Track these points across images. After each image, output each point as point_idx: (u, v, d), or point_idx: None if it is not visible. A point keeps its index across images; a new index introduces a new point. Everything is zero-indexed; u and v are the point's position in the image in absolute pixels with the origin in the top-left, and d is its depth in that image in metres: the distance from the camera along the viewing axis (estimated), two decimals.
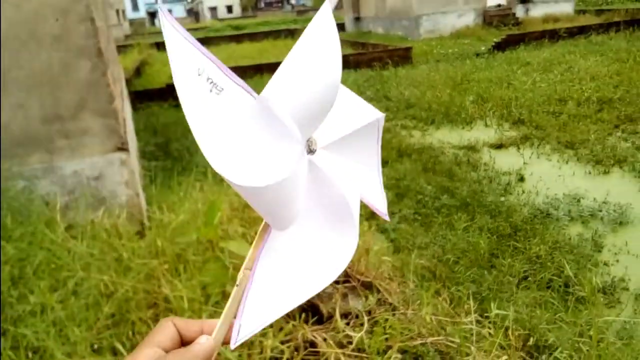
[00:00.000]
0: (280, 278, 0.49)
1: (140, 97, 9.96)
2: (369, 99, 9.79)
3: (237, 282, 0.50)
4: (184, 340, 0.49)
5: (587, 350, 2.57)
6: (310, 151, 0.51)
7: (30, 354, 1.87)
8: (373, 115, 0.61)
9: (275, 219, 0.50)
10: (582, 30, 14.81)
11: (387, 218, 0.62)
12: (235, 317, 0.48)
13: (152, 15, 58.35)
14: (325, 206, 0.52)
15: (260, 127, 0.46)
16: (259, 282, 0.49)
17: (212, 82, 0.45)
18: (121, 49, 16.49)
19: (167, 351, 0.47)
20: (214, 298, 2.15)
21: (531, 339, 2.67)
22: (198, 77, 0.44)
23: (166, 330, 0.48)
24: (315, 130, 0.51)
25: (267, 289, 0.49)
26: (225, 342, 0.50)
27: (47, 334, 1.89)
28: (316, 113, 0.49)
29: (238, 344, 0.46)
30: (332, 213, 0.52)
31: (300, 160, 0.49)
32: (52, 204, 3.02)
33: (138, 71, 14.16)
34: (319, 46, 0.50)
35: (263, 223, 0.51)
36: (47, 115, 3.27)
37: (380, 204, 0.62)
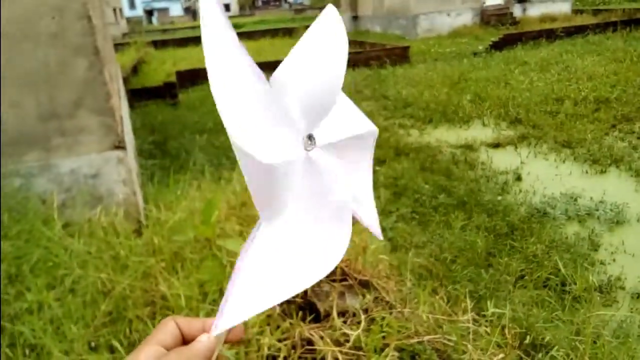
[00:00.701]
0: (267, 270, 0.48)
1: (138, 96, 9.94)
2: (367, 98, 9.81)
3: None
4: (186, 339, 0.49)
5: (584, 348, 2.58)
6: (308, 147, 0.51)
7: (27, 352, 1.87)
8: (370, 126, 0.61)
9: (265, 206, 0.49)
10: (580, 30, 14.85)
11: (380, 237, 0.62)
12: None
13: (149, 13, 58.24)
14: (319, 202, 0.52)
15: (271, 108, 0.47)
16: (246, 272, 0.48)
17: (242, 50, 0.47)
18: (118, 47, 16.46)
19: (168, 349, 0.47)
20: (212, 296, 2.15)
21: (528, 338, 2.68)
22: (228, 41, 0.46)
23: (168, 329, 0.49)
24: (316, 127, 0.52)
25: (253, 280, 0.48)
26: (227, 341, 0.50)
27: (45, 331, 1.89)
28: (319, 105, 0.50)
29: (217, 332, 0.45)
30: (325, 210, 0.52)
31: (298, 152, 0.49)
32: (49, 202, 3.01)
33: (135, 69, 14.13)
34: (326, 39, 0.51)
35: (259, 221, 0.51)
36: (44, 113, 3.25)
37: (372, 220, 0.62)
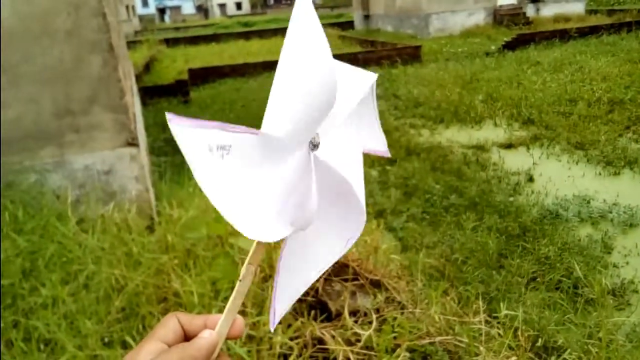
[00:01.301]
0: (300, 267, 0.54)
1: (150, 93, 10.01)
2: (378, 97, 9.74)
3: (240, 277, 0.51)
4: (188, 335, 0.49)
5: (597, 352, 2.56)
6: (314, 146, 0.51)
7: (42, 346, 1.89)
8: (368, 81, 0.61)
9: (298, 226, 0.51)
10: (594, 30, 14.70)
11: (388, 154, 0.63)
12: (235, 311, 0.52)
13: (162, 11, 58.54)
14: (332, 194, 0.54)
15: (269, 165, 0.48)
16: (285, 274, 0.53)
17: (221, 147, 0.46)
18: (131, 44, 16.56)
19: (170, 346, 0.47)
20: (224, 293, 2.15)
21: (540, 340, 2.66)
22: (210, 154, 0.46)
23: (170, 325, 0.49)
24: (319, 127, 0.52)
25: (291, 279, 0.53)
26: (229, 337, 0.51)
27: (59, 326, 1.90)
28: (317, 114, 0.50)
29: (275, 324, 0.51)
30: (339, 199, 0.55)
31: (307, 163, 0.50)
32: (63, 197, 3.04)
33: (147, 67, 14.22)
34: (305, 47, 0.51)
35: None
36: (59, 109, 3.29)
37: (380, 145, 0.64)
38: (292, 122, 0.48)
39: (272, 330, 0.52)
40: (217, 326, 0.49)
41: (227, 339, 0.50)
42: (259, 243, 0.52)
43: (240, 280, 0.51)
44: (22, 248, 2.38)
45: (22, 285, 2.18)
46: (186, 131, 0.45)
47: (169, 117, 0.45)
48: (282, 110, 0.48)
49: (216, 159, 0.46)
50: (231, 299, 0.50)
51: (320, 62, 0.51)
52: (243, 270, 0.51)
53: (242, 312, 2.12)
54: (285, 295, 0.53)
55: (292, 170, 0.50)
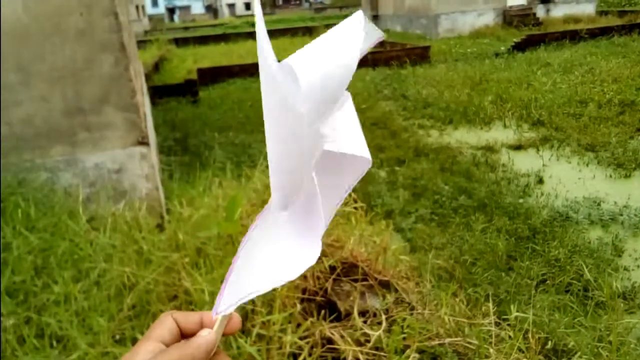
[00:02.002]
0: (262, 259, 0.50)
1: (159, 93, 10.05)
2: (386, 98, 9.77)
3: None
4: (184, 334, 0.49)
5: (607, 355, 2.54)
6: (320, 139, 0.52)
7: (54, 343, 1.90)
8: (366, 154, 0.60)
9: (279, 186, 0.51)
10: (604, 32, 14.59)
11: (370, 160, 0.61)
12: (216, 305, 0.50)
13: (171, 11, 58.79)
14: (316, 197, 0.53)
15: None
16: (242, 263, 0.50)
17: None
18: (140, 44, 16.63)
19: (167, 345, 0.47)
20: None
21: (550, 343, 2.65)
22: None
23: (165, 324, 0.49)
24: (326, 121, 0.52)
25: (248, 270, 0.49)
26: (225, 333, 0.51)
27: (71, 323, 1.92)
28: (322, 100, 0.51)
29: (219, 315, 0.47)
30: (313, 207, 0.53)
31: (312, 134, 0.51)
32: (74, 195, 3.06)
33: (157, 67, 14.28)
34: (341, 40, 0.53)
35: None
36: (70, 108, 3.31)
37: (364, 151, 0.60)
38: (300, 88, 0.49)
39: (213, 316, 0.48)
40: (215, 325, 0.49)
41: (224, 335, 0.51)
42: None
43: None
44: (34, 245, 2.40)
45: (35, 282, 2.20)
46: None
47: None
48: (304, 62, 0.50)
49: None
50: None
51: (344, 62, 0.53)
52: None
53: (252, 311, 2.13)
54: (236, 291, 0.48)
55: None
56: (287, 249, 0.51)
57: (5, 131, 3.22)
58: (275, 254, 0.51)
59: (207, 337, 0.48)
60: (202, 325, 0.50)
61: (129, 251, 2.49)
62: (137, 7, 28.67)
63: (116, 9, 3.25)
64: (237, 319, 0.51)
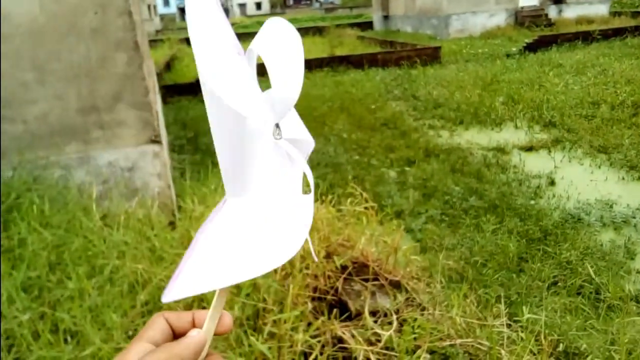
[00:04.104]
0: (224, 248, 0.47)
1: (170, 92, 10.11)
2: (397, 98, 9.75)
3: None
4: (177, 334, 0.49)
5: (619, 358, 2.52)
6: (277, 136, 0.51)
7: (68, 338, 1.92)
8: (310, 137, 0.61)
9: (232, 176, 0.50)
10: (617, 33, 14.45)
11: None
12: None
13: (183, 10, 59.02)
14: (287, 189, 0.52)
15: (244, 72, 0.51)
16: (203, 247, 0.47)
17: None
18: (152, 43, 16.74)
19: (158, 346, 0.47)
20: (245, 290, 2.17)
21: (561, 345, 2.63)
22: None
23: (157, 324, 0.48)
24: (282, 119, 0.52)
25: (209, 256, 0.47)
26: (218, 334, 0.50)
27: (84, 318, 1.94)
28: (283, 99, 0.51)
29: (168, 300, 0.45)
30: (291, 198, 0.52)
31: (267, 132, 0.50)
32: (88, 193, 3.09)
33: (168, 66, 14.36)
34: (282, 41, 0.54)
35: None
36: (84, 106, 3.34)
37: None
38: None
39: (163, 301, 0.45)
40: (205, 324, 0.49)
41: (216, 335, 0.50)
42: None
43: None
44: (48, 241, 2.42)
45: (49, 277, 2.22)
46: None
47: None
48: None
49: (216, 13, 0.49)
50: (215, 296, 0.49)
51: (294, 61, 0.54)
52: None
53: (264, 309, 2.14)
54: (197, 273, 0.45)
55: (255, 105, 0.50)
56: (266, 236, 0.49)
57: (20, 129, 3.26)
58: (251, 242, 0.48)
59: (196, 337, 0.47)
60: (194, 325, 0.50)
61: (142, 248, 2.51)
62: (149, 6, 28.86)
63: (130, 8, 3.28)
64: (228, 319, 0.51)
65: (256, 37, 0.54)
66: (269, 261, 0.47)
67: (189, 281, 0.45)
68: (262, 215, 0.49)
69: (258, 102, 0.51)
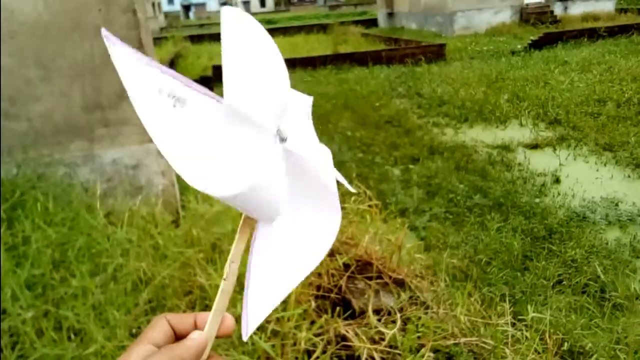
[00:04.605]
0: (275, 267, 0.50)
1: None
2: (401, 96, 9.73)
3: (225, 276, 0.50)
4: (179, 336, 0.49)
5: (624, 358, 2.51)
6: (282, 140, 0.50)
7: (72, 336, 1.93)
8: (308, 100, 0.60)
9: (262, 214, 0.50)
10: (624, 30, 14.35)
11: (352, 189, 0.62)
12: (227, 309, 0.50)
13: (187, 8, 59.11)
14: (307, 189, 0.52)
15: (231, 130, 0.46)
16: (256, 275, 0.49)
17: (174, 97, 0.44)
18: (156, 41, 16.76)
19: (160, 347, 0.46)
20: None
21: (566, 344, 2.62)
22: (159, 96, 0.44)
23: (159, 326, 0.48)
24: (282, 119, 0.51)
25: (264, 279, 0.50)
26: (218, 335, 0.50)
27: (88, 316, 1.94)
28: (277, 98, 0.50)
29: (249, 335, 0.48)
30: (314, 194, 0.53)
31: (273, 151, 0.49)
32: (92, 190, 3.10)
33: (172, 63, 14.37)
34: (246, 39, 0.49)
35: (243, 217, 0.51)
36: (89, 104, 3.35)
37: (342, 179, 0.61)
38: (255, 98, 0.47)
39: (244, 339, 0.48)
40: (206, 327, 0.49)
41: (217, 337, 0.50)
42: (240, 239, 0.51)
43: (224, 280, 0.50)
44: (52, 239, 2.43)
45: (53, 275, 2.23)
46: (132, 65, 0.43)
47: (105, 34, 0.43)
48: (241, 87, 0.47)
49: (166, 105, 0.44)
50: (217, 298, 0.50)
51: (265, 47, 0.51)
52: (226, 269, 0.50)
53: None
54: (260, 298, 0.49)
55: (257, 151, 0.47)
56: (301, 248, 0.52)
57: (25, 126, 3.26)
58: (290, 249, 0.51)
59: (197, 339, 0.47)
60: (196, 327, 0.50)
61: (145, 246, 2.51)
62: (153, 4, 28.91)
63: (134, 6, 3.28)
64: (229, 321, 0.51)
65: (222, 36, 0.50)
66: (308, 265, 0.52)
67: (257, 309, 0.49)
68: (293, 229, 0.52)
69: (254, 136, 0.48)
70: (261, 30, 0.51)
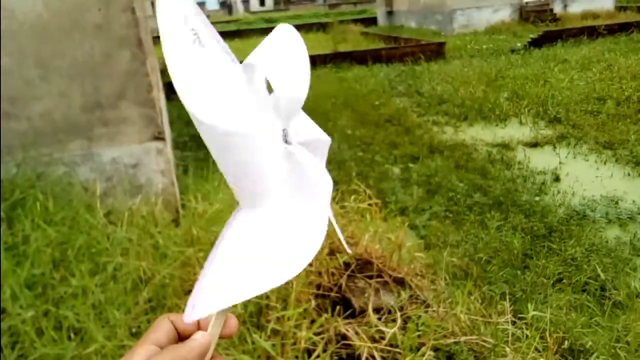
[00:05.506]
0: (243, 261, 0.47)
1: (173, 88, 10.08)
2: (400, 94, 9.72)
3: None
4: (182, 336, 0.49)
5: (625, 356, 2.51)
6: (287, 142, 0.50)
7: (72, 335, 1.93)
8: (327, 139, 0.61)
9: (245, 196, 0.49)
10: (623, 28, 14.34)
11: (349, 251, 0.62)
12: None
13: None
14: (302, 195, 0.51)
15: (238, 85, 0.48)
16: (221, 261, 0.47)
17: (195, 34, 0.46)
18: (156, 40, 16.74)
19: (163, 348, 0.46)
20: None
21: (566, 343, 2.62)
22: (184, 25, 0.46)
23: (162, 327, 0.48)
24: (290, 123, 0.51)
25: (228, 270, 0.47)
26: (221, 336, 0.50)
27: (88, 316, 1.94)
28: (289, 102, 0.50)
29: (191, 319, 0.46)
30: (307, 204, 0.51)
31: (276, 140, 0.49)
32: (91, 190, 3.09)
33: None
34: (287, 46, 0.54)
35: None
36: (88, 103, 3.34)
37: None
38: (269, 79, 0.49)
39: (185, 321, 0.46)
40: (209, 327, 0.49)
41: (221, 337, 0.50)
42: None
43: None
44: (52, 238, 2.43)
45: (52, 274, 2.22)
46: None
47: None
48: (267, 71, 0.49)
49: (187, 37, 0.46)
50: None
51: (300, 65, 0.54)
52: None
53: (267, 306, 2.14)
54: (214, 293, 0.46)
55: (258, 115, 0.48)
56: (281, 247, 0.48)
57: (24, 126, 3.26)
58: (267, 254, 0.48)
59: (200, 339, 0.47)
60: (199, 328, 0.50)
61: (145, 245, 2.51)
62: (152, 3, 28.89)
63: (133, 5, 3.27)
64: (233, 321, 0.51)
65: (259, 46, 0.53)
66: (287, 270, 0.47)
67: (209, 298, 0.46)
68: (275, 227, 0.49)
69: (260, 111, 0.49)
70: (304, 47, 0.56)
